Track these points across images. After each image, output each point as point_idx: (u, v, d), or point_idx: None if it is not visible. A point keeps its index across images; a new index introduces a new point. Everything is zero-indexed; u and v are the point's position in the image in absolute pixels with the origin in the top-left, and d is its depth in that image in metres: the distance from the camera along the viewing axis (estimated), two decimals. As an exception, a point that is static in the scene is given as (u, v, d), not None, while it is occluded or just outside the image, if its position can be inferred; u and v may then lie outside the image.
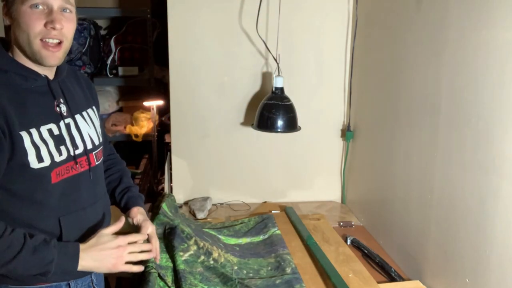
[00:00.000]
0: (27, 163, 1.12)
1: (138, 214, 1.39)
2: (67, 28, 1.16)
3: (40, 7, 1.12)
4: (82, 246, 1.16)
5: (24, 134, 1.12)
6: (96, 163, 1.31)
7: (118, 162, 1.54)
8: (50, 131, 1.18)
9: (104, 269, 1.21)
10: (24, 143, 1.12)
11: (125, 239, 1.22)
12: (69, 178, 1.21)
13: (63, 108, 1.23)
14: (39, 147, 1.14)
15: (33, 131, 1.14)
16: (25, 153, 1.12)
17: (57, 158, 1.18)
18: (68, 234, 1.20)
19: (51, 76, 1.23)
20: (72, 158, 1.22)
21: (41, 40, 1.13)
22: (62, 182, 1.20)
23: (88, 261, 1.16)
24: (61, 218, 1.20)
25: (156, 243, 1.33)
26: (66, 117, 1.23)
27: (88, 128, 1.29)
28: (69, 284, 1.25)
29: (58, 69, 1.26)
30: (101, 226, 1.27)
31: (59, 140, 1.19)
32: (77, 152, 1.23)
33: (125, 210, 1.42)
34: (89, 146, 1.28)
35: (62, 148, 1.20)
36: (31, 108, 1.15)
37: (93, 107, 1.37)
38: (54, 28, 1.12)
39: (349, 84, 2.19)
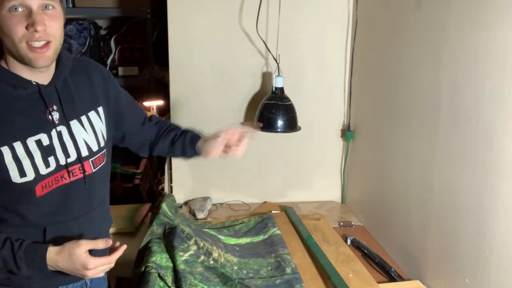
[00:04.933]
0: (9, 178, 1.10)
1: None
2: (52, 26, 1.08)
3: (19, 9, 1.05)
4: (52, 253, 1.09)
5: (5, 149, 1.09)
6: (93, 170, 1.24)
7: (165, 124, 1.53)
8: (38, 142, 1.13)
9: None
10: (5, 159, 1.09)
11: (96, 262, 1.10)
12: (58, 188, 1.17)
13: (56, 115, 1.16)
14: (21, 162, 1.10)
15: (17, 144, 1.10)
16: (5, 169, 1.09)
17: (43, 171, 1.14)
18: (52, 243, 1.14)
19: (47, 79, 1.16)
20: (63, 168, 1.17)
21: (27, 43, 1.06)
22: (49, 194, 1.16)
23: (57, 265, 1.10)
24: (47, 227, 1.17)
25: None
26: (58, 124, 1.17)
27: (85, 134, 1.22)
28: None
29: (59, 69, 1.19)
30: (97, 235, 1.20)
31: (48, 151, 1.15)
32: (69, 160, 1.18)
33: (193, 146, 1.42)
34: (84, 153, 1.21)
35: (51, 159, 1.15)
36: (19, 118, 1.11)
37: (99, 108, 1.28)
38: (36, 31, 1.05)
39: (349, 84, 2.19)
